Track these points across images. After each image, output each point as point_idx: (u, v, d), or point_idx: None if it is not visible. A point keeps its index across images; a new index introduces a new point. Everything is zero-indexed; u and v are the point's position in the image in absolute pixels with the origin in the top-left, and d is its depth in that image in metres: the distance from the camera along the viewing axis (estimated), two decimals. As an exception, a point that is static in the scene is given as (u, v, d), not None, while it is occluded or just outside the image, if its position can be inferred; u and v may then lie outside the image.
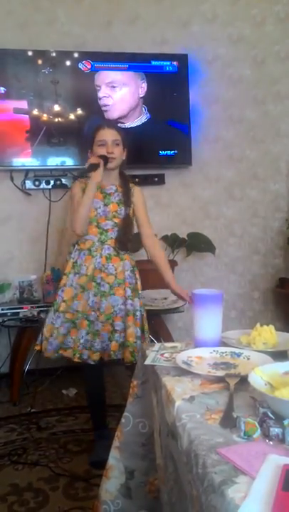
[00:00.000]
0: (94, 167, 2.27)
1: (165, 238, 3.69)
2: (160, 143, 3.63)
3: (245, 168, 3.96)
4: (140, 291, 2.43)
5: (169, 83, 3.62)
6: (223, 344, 1.45)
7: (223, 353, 1.38)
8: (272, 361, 1.21)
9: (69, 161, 3.52)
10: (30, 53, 3.37)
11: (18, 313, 3.18)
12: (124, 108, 3.56)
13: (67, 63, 3.44)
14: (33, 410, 3.00)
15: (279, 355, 1.30)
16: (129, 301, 2.34)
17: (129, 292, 2.35)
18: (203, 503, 0.81)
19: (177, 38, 3.73)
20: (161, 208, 3.79)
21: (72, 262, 2.37)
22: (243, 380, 1.12)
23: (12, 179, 3.53)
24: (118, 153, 2.32)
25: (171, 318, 3.67)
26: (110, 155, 2.29)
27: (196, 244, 3.72)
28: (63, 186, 3.57)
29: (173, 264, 3.62)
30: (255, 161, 3.97)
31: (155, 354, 1.44)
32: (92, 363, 2.30)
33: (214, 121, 3.85)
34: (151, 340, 2.66)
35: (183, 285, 3.61)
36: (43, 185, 3.54)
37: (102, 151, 2.30)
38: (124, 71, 3.54)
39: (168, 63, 3.62)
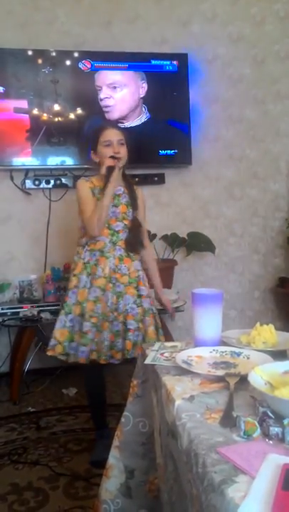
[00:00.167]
0: (111, 169, 2.28)
1: (165, 238, 3.69)
2: (160, 142, 3.63)
3: (245, 168, 3.97)
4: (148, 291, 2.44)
5: (168, 83, 3.62)
6: (223, 343, 1.45)
7: (223, 352, 1.38)
8: (272, 360, 1.21)
9: (69, 161, 3.52)
10: (30, 53, 3.37)
11: (18, 312, 3.18)
12: (125, 108, 3.56)
13: (67, 63, 3.44)
14: (33, 410, 3.01)
15: (279, 355, 1.30)
16: (145, 300, 2.37)
17: (142, 291, 2.36)
18: (203, 502, 0.81)
19: (177, 38, 3.72)
20: (161, 208, 3.79)
21: (83, 263, 2.33)
22: (243, 380, 1.12)
23: (12, 179, 3.54)
24: (124, 153, 2.33)
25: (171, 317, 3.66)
26: (117, 155, 2.30)
27: (196, 243, 3.72)
28: (63, 186, 3.57)
29: (173, 263, 3.63)
30: (255, 160, 3.97)
31: (155, 353, 1.44)
32: (117, 362, 2.30)
33: (214, 121, 3.85)
34: None
35: (183, 285, 3.67)
36: (43, 184, 3.54)
37: (108, 151, 2.30)
38: (124, 70, 3.54)
39: (168, 63, 3.62)
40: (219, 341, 1.46)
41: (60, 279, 3.47)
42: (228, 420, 0.97)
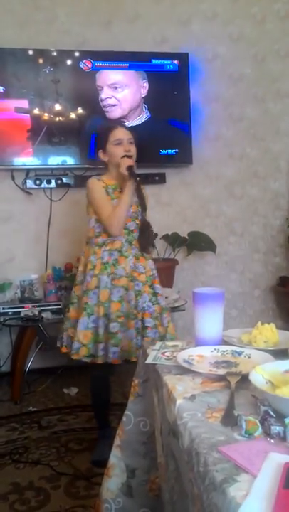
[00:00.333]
0: (131, 168, 2.29)
1: (166, 237, 3.69)
2: (161, 142, 3.62)
3: (245, 167, 3.96)
4: None
5: (169, 82, 3.61)
6: (224, 343, 1.45)
7: (224, 351, 1.38)
8: (273, 359, 1.21)
9: (70, 160, 3.52)
10: (30, 52, 3.37)
11: (20, 312, 3.18)
12: (126, 108, 3.56)
13: (68, 62, 3.44)
14: (34, 409, 3.01)
15: (280, 354, 1.30)
16: (161, 298, 2.39)
17: (158, 289, 2.39)
18: (205, 501, 0.81)
19: (177, 37, 3.72)
20: (162, 207, 3.79)
21: (101, 263, 2.31)
22: (244, 379, 1.12)
23: (13, 178, 3.54)
24: (134, 152, 2.35)
25: (172, 316, 3.65)
26: (128, 153, 2.31)
27: (197, 243, 3.72)
28: (64, 185, 3.57)
29: (174, 263, 3.63)
30: (255, 159, 3.97)
31: (156, 353, 1.44)
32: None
33: (214, 120, 3.84)
34: None
35: (184, 284, 3.67)
36: (44, 184, 3.54)
37: (119, 150, 2.31)
38: (124, 70, 3.53)
39: (168, 62, 3.61)
40: (220, 340, 1.46)
41: (61, 278, 3.48)
42: (230, 419, 0.97)
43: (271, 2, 3.90)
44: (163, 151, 3.63)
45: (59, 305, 3.27)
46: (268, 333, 1.44)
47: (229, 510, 0.73)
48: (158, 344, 1.55)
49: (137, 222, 2.36)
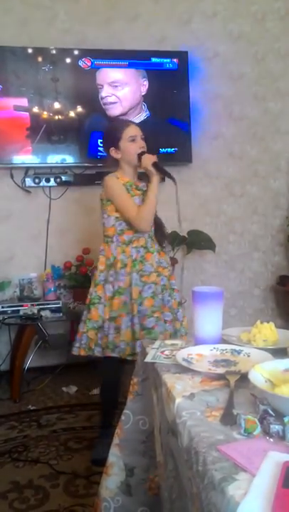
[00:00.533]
0: (156, 164, 2.32)
1: (165, 236, 3.69)
2: (160, 140, 3.62)
3: (245, 166, 3.96)
4: None
5: (169, 80, 3.61)
6: (224, 341, 1.45)
7: (223, 350, 1.38)
8: (273, 358, 1.21)
9: (69, 159, 3.52)
10: (30, 50, 3.37)
11: (19, 310, 3.19)
12: (126, 106, 3.56)
13: (67, 60, 3.43)
14: (33, 408, 3.01)
15: (279, 353, 1.30)
16: (178, 294, 2.43)
17: (174, 285, 2.43)
18: (204, 500, 0.81)
19: (177, 35, 3.72)
20: (161, 206, 3.76)
21: (131, 261, 2.31)
22: (244, 378, 1.11)
23: (12, 176, 3.53)
24: (145, 148, 2.38)
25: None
26: (143, 149, 2.35)
27: (196, 241, 3.72)
28: (63, 184, 3.57)
29: (173, 261, 3.62)
30: (255, 158, 3.97)
31: (155, 351, 1.44)
32: None
33: (214, 119, 3.84)
34: None
35: (183, 283, 3.66)
36: (43, 182, 3.53)
37: (134, 147, 2.34)
38: (124, 68, 3.53)
39: (168, 60, 3.61)
40: (219, 339, 1.45)
41: (60, 277, 3.48)
42: (229, 418, 0.97)
43: (271, 0, 3.90)
44: (162, 150, 3.63)
45: (58, 303, 3.27)
46: (268, 331, 1.44)
47: (228, 509, 0.73)
48: (157, 343, 1.54)
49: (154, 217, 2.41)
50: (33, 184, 3.53)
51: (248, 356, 1.32)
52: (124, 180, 2.36)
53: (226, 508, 0.73)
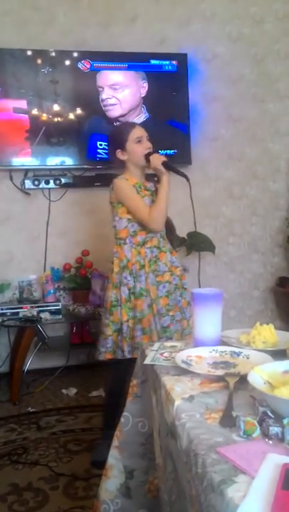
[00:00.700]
0: (165, 164, 2.33)
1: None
2: (159, 142, 3.60)
3: (244, 167, 3.96)
4: None
5: (168, 82, 3.61)
6: (223, 343, 1.45)
7: (222, 352, 1.38)
8: (272, 360, 1.21)
9: (68, 161, 3.52)
10: (29, 53, 3.37)
11: (18, 313, 3.19)
12: (126, 107, 3.56)
13: (67, 63, 3.44)
14: (32, 410, 3.01)
15: (278, 354, 1.30)
16: (188, 293, 2.41)
17: (185, 285, 2.44)
18: (203, 502, 0.81)
19: (176, 37, 3.72)
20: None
21: (147, 261, 2.32)
22: (243, 379, 1.11)
23: (11, 179, 3.53)
24: (152, 148, 2.39)
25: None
26: (149, 149, 2.36)
27: (196, 243, 3.71)
28: (63, 186, 3.57)
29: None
30: (254, 159, 3.97)
31: (154, 353, 1.44)
32: None
33: (214, 120, 3.84)
34: None
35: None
36: (43, 184, 3.53)
37: (141, 148, 2.34)
38: (123, 70, 3.53)
39: (167, 62, 3.61)
40: (219, 341, 1.45)
41: (59, 279, 3.47)
42: (228, 420, 0.97)
43: (270, 2, 3.90)
44: (162, 152, 3.61)
45: (57, 305, 3.27)
46: (267, 333, 1.44)
47: (227, 511, 0.72)
48: (156, 345, 1.54)
49: None
50: (32, 186, 3.53)
51: (248, 358, 1.32)
52: (133, 181, 2.36)
53: (225, 510, 0.73)
